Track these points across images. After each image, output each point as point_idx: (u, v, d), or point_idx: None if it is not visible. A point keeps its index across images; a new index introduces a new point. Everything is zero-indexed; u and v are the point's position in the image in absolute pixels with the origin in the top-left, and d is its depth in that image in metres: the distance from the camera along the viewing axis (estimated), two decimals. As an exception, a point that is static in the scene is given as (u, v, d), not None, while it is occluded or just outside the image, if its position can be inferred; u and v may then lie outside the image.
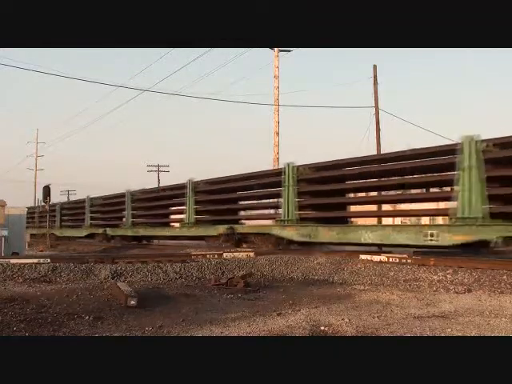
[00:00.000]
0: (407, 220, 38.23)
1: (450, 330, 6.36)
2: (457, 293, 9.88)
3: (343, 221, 17.12)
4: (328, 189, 16.52)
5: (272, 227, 18.17)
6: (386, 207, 23.87)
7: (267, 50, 29.08)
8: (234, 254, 15.91)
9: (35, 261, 13.09)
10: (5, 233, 17.85)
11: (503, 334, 6.17)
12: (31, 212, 38.53)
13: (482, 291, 9.98)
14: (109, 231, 29.32)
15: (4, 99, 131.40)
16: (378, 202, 20.67)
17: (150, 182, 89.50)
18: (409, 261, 13.50)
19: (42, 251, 24.76)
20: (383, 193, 18.60)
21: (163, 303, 8.51)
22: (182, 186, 23.40)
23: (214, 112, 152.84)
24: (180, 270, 12.72)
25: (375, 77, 27.34)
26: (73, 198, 76.48)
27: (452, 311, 7.73)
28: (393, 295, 9.47)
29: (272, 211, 20.26)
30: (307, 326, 6.53)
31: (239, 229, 19.67)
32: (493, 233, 11.77)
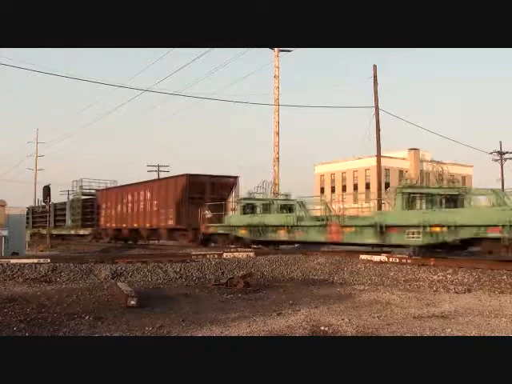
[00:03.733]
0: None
1: (450, 330, 6.36)
2: (457, 293, 9.87)
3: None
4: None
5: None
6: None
7: (267, 50, 29.10)
8: (234, 254, 15.93)
9: (35, 261, 13.09)
10: (5, 233, 17.84)
11: (503, 334, 6.17)
12: None
13: (482, 291, 9.98)
14: (42, 230, 36.31)
15: (4, 99, 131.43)
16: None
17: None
18: (409, 261, 13.50)
19: (42, 251, 24.76)
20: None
21: (163, 303, 8.51)
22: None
23: (214, 112, 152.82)
24: (180, 270, 12.71)
25: (375, 77, 27.30)
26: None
27: (452, 311, 7.73)
28: (393, 295, 9.47)
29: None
30: (307, 326, 6.53)
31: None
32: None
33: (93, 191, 35.16)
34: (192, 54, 64.13)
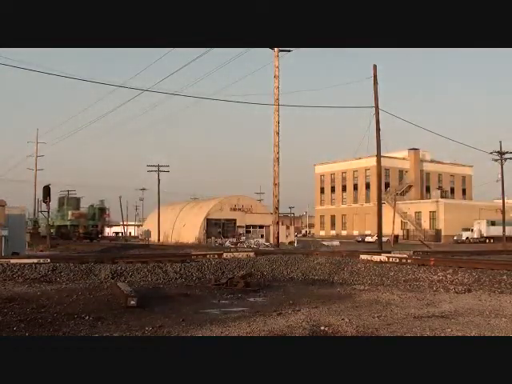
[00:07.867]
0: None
1: (450, 330, 6.36)
2: (457, 293, 9.87)
3: None
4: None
5: None
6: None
7: (267, 49, 29.11)
8: (234, 254, 15.94)
9: (35, 261, 13.10)
10: (5, 233, 17.83)
11: (503, 334, 6.17)
12: None
13: (482, 291, 9.98)
14: None
15: (4, 99, 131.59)
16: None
17: (150, 182, 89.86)
18: (409, 261, 13.52)
19: (42, 251, 24.76)
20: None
21: (163, 303, 8.51)
22: None
23: (214, 112, 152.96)
24: (180, 269, 12.72)
25: (375, 77, 27.30)
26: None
27: (452, 311, 7.72)
28: (393, 295, 9.47)
29: None
30: (307, 326, 6.52)
31: None
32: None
33: None
34: (192, 54, 64.13)
